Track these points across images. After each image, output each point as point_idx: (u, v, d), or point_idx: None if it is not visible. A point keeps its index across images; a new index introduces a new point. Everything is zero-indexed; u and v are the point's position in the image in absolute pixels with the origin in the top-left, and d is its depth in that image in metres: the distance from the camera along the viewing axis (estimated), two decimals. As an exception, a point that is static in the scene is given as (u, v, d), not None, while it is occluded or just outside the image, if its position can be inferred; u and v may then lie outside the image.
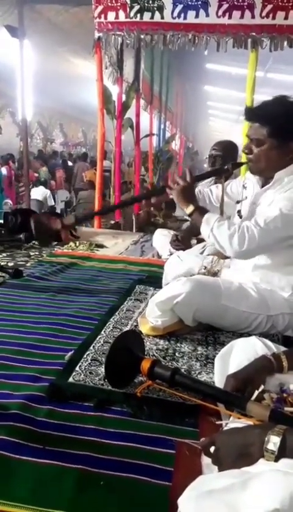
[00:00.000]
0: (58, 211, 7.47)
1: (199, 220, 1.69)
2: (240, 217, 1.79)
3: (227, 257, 2.05)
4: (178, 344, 1.71)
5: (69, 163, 12.30)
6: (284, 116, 1.56)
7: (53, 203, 7.87)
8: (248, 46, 3.83)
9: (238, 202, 1.85)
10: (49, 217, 2.50)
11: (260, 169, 1.68)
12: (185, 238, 2.91)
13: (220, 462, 0.85)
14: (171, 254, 2.82)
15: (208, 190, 2.08)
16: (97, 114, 4.51)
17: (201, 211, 1.72)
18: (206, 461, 0.99)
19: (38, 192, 7.46)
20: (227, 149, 2.78)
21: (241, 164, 2.10)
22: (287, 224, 1.56)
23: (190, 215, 1.75)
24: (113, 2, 3.95)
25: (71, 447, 1.11)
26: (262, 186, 1.75)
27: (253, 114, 1.66)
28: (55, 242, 3.38)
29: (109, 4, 3.97)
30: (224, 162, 2.74)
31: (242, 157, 1.78)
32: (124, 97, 5.31)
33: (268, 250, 1.65)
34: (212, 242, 1.68)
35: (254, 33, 3.74)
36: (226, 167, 1.96)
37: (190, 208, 1.74)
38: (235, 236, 1.58)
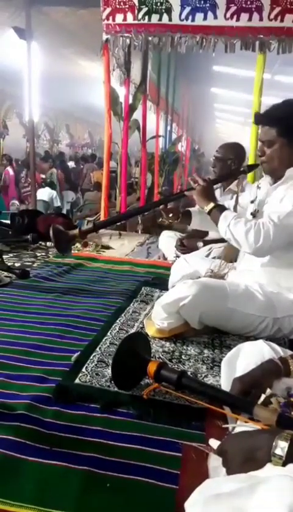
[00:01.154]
0: (64, 211, 7.50)
1: (218, 217, 1.75)
2: (254, 216, 1.81)
3: (232, 261, 2.06)
4: (184, 347, 1.71)
5: (70, 164, 12.34)
6: (289, 115, 1.65)
7: (59, 204, 7.89)
8: (255, 48, 3.82)
9: (252, 202, 1.87)
10: (67, 224, 2.55)
11: (274, 167, 1.73)
12: (190, 241, 2.91)
13: (227, 466, 0.85)
14: (177, 256, 2.82)
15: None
16: (104, 116, 4.52)
17: (221, 208, 1.78)
18: (212, 464, 0.99)
19: (44, 193, 7.49)
20: (227, 152, 2.78)
21: (256, 166, 2.15)
22: None
23: (209, 212, 1.81)
24: (122, 4, 3.97)
25: (78, 448, 1.12)
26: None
27: (261, 117, 1.73)
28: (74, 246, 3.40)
29: (117, 6, 3.99)
30: (223, 164, 2.76)
31: (250, 159, 1.82)
32: (131, 99, 5.32)
33: (283, 245, 1.67)
34: (229, 238, 1.72)
35: (262, 36, 3.73)
36: (242, 169, 2.04)
37: (210, 205, 1.80)
38: (251, 232, 1.62)
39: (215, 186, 2.76)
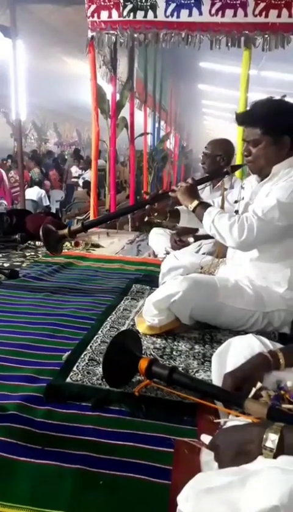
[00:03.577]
0: (53, 211, 7.45)
1: (202, 214, 1.75)
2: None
3: (223, 256, 2.07)
4: (175, 343, 1.72)
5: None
6: (272, 113, 1.64)
7: (48, 203, 7.83)
8: (241, 44, 3.83)
9: (236, 202, 1.87)
10: (56, 224, 2.54)
11: (261, 166, 1.72)
12: (182, 237, 2.92)
13: (219, 460, 0.86)
14: (167, 253, 2.82)
15: (211, 201, 2.10)
16: (92, 114, 4.51)
17: (204, 205, 1.79)
18: (204, 459, 0.99)
19: (33, 193, 7.43)
20: (216, 148, 2.80)
21: (239, 166, 2.17)
22: (284, 213, 1.59)
23: (193, 210, 1.81)
24: (106, 1, 3.95)
25: (70, 447, 1.11)
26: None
27: (243, 118, 1.73)
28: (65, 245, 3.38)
29: (102, 3, 3.97)
30: (212, 160, 2.77)
31: (237, 157, 1.83)
32: (118, 96, 5.30)
33: (267, 239, 1.67)
34: (213, 233, 1.71)
35: (247, 32, 3.74)
36: (225, 170, 2.04)
37: (194, 203, 1.81)
38: (235, 226, 1.62)
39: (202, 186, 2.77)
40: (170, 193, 1.96)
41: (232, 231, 1.63)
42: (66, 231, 2.22)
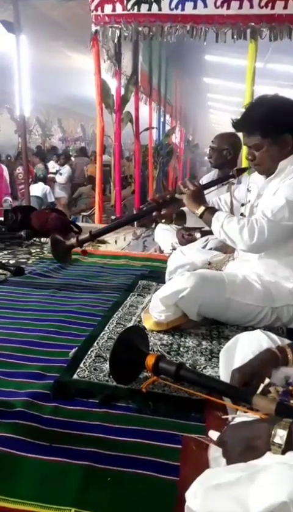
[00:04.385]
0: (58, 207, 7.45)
1: (210, 219, 1.74)
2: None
3: (232, 251, 2.06)
4: (182, 339, 1.71)
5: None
6: (267, 115, 1.63)
7: (53, 200, 7.83)
8: (247, 36, 3.80)
9: (243, 205, 1.86)
10: (61, 220, 2.55)
11: (268, 168, 1.72)
12: (188, 229, 2.91)
13: (228, 456, 0.85)
14: (173, 248, 2.81)
15: (217, 199, 2.10)
16: (96, 109, 4.49)
17: (211, 210, 1.78)
18: (213, 455, 0.99)
19: (38, 189, 7.43)
20: (222, 142, 2.79)
21: (245, 169, 2.16)
22: None
23: (201, 216, 1.80)
24: (110, -6, 3.92)
25: (77, 443, 1.11)
26: None
27: (240, 126, 1.73)
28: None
29: (106, -3, 3.94)
30: (219, 154, 2.76)
31: (243, 155, 1.83)
32: (122, 91, 5.28)
33: (278, 240, 1.66)
34: (223, 238, 1.71)
35: (253, 24, 3.71)
36: (231, 173, 2.05)
37: (201, 209, 1.80)
38: (245, 229, 1.61)
39: (208, 175, 2.76)
40: (176, 195, 1.94)
41: (242, 234, 1.61)
42: (74, 240, 2.26)
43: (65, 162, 9.09)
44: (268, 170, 1.73)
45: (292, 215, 1.58)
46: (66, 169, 8.77)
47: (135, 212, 5.35)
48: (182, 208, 2.03)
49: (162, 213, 2.02)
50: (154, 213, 2.03)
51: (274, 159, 1.67)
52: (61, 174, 8.64)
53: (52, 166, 9.54)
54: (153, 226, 3.85)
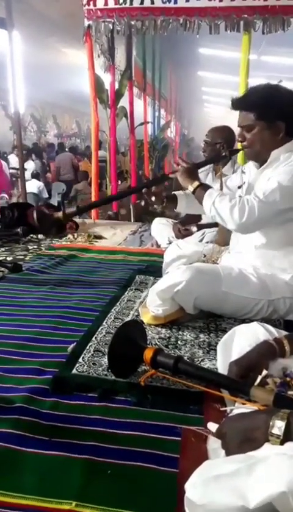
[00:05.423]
0: (54, 203, 7.42)
1: (202, 195, 1.75)
2: None
3: (226, 244, 2.06)
4: (180, 332, 1.72)
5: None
6: (266, 98, 1.65)
7: (47, 196, 7.79)
8: (240, 28, 3.77)
9: (239, 187, 1.86)
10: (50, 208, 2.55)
11: (256, 152, 1.72)
12: (185, 223, 2.91)
13: (226, 447, 0.86)
14: (170, 243, 2.81)
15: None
16: (91, 104, 4.47)
17: (204, 187, 1.79)
18: (211, 446, 1.00)
19: (33, 186, 7.40)
20: (216, 136, 2.78)
21: (237, 150, 2.14)
22: (286, 196, 1.59)
23: (193, 192, 1.81)
24: (102, -12, 3.89)
25: (77, 437, 1.12)
26: None
27: (238, 103, 1.72)
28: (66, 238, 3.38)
29: (98, -10, 3.91)
30: (213, 148, 2.75)
31: (238, 144, 1.83)
32: (116, 85, 5.25)
33: (268, 222, 1.66)
34: (213, 215, 1.70)
35: (246, 15, 3.68)
36: (224, 153, 2.03)
37: (195, 184, 1.81)
38: (236, 208, 1.61)
39: (203, 171, 2.76)
40: (170, 175, 1.96)
41: (233, 212, 1.62)
42: (60, 214, 2.22)
43: (28, 157, 8.49)
44: (257, 155, 1.73)
45: (282, 199, 1.58)
46: (30, 165, 8.35)
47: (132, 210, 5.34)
48: (173, 192, 2.03)
49: (152, 190, 2.01)
50: (143, 190, 2.02)
51: (264, 144, 1.68)
52: (25, 170, 7.65)
53: (15, 161, 8.37)
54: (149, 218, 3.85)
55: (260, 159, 1.74)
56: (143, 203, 2.10)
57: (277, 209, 1.61)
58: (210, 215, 1.73)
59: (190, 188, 1.81)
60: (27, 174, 7.84)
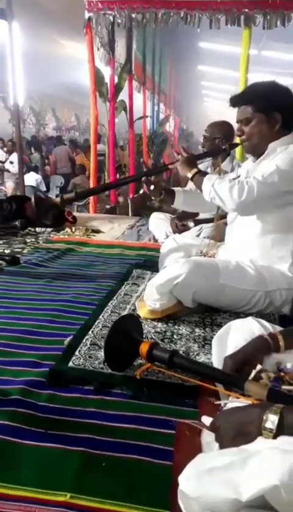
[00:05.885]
0: (52, 196, 7.40)
1: (201, 180, 1.78)
2: None
3: (222, 240, 2.06)
4: (176, 327, 1.72)
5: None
6: (264, 91, 1.71)
7: (45, 189, 7.77)
8: (241, 23, 3.76)
9: (234, 179, 1.86)
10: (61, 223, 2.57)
11: (254, 144, 1.75)
12: (182, 218, 2.92)
13: (220, 441, 0.87)
14: (167, 237, 2.81)
15: None
16: (90, 97, 4.45)
17: (203, 173, 1.84)
18: (205, 440, 1.01)
19: (31, 178, 7.38)
20: (214, 131, 2.79)
21: (237, 144, 2.16)
22: (284, 179, 1.61)
23: (192, 178, 1.85)
24: (103, -20, 3.86)
25: (73, 430, 1.13)
26: None
27: (236, 99, 1.77)
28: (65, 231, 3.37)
29: (98, -18, 3.88)
30: (211, 143, 2.76)
31: (237, 139, 1.85)
32: (116, 79, 5.23)
33: (267, 204, 1.68)
34: (213, 196, 1.72)
35: (247, 10, 3.67)
36: (224, 147, 2.05)
37: (193, 171, 1.86)
38: (235, 188, 1.64)
39: (202, 165, 2.76)
40: (169, 166, 2.00)
41: (232, 192, 1.64)
42: (58, 200, 2.23)
43: (13, 149, 7.85)
44: (255, 148, 1.76)
45: (281, 181, 1.61)
46: (15, 158, 7.91)
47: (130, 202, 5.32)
48: (172, 188, 2.05)
49: (152, 180, 2.03)
50: (143, 178, 2.03)
51: (262, 136, 1.71)
52: (12, 163, 7.67)
53: (0, 154, 8.62)
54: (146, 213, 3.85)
55: (258, 152, 1.76)
56: (141, 191, 2.14)
57: (276, 191, 1.63)
58: (210, 197, 1.74)
59: (189, 175, 1.85)
60: (13, 168, 7.51)
